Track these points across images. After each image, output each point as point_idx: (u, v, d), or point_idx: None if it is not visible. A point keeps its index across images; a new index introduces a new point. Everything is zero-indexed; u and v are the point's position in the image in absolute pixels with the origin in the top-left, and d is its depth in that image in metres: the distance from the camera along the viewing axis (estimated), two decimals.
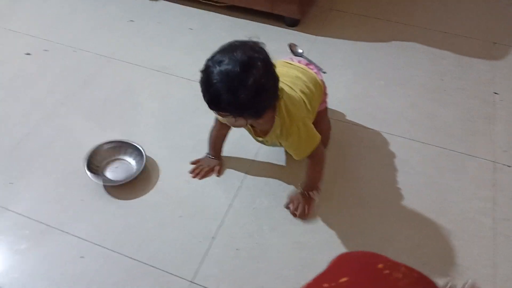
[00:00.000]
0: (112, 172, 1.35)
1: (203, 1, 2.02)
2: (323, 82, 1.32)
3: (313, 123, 1.23)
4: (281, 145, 1.22)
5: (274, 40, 1.87)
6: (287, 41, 1.85)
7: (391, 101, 1.63)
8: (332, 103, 1.60)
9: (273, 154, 1.42)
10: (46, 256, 1.16)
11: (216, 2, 2.01)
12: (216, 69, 0.94)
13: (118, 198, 1.29)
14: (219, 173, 1.37)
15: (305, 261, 1.17)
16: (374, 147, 1.47)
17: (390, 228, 1.24)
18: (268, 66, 0.98)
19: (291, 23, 1.93)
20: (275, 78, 1.02)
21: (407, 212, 1.29)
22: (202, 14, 2.01)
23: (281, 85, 1.08)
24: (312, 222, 1.26)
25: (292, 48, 1.82)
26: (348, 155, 1.44)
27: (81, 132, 1.48)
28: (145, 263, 1.16)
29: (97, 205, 1.28)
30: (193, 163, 1.39)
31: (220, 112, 1.02)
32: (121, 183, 1.30)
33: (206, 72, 0.97)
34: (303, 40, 1.88)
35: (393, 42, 1.90)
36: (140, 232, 1.22)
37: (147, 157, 1.36)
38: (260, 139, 1.22)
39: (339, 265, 0.65)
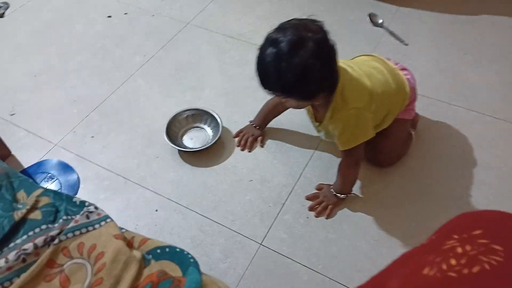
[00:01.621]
0: (190, 140, 1.37)
1: None
2: (414, 90, 1.20)
3: (386, 129, 1.16)
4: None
5: (354, 9, 1.79)
6: (367, 10, 1.77)
7: (481, 78, 1.51)
8: (417, 76, 1.52)
9: None
10: (123, 207, 1.21)
11: None
12: (267, 48, 0.92)
13: (193, 164, 1.31)
14: (262, 143, 1.34)
15: (380, 236, 1.12)
16: (461, 125, 1.37)
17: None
18: (321, 47, 0.91)
19: None
20: (330, 61, 0.95)
21: (495, 195, 1.19)
22: None
23: (345, 67, 1.03)
24: (389, 197, 1.20)
25: (372, 18, 1.73)
26: (433, 133, 1.35)
27: (160, 95, 1.51)
28: (218, 222, 1.17)
29: (172, 165, 1.31)
30: (236, 134, 1.37)
31: (270, 91, 0.99)
32: (197, 149, 1.31)
33: (260, 50, 0.95)
34: (384, 10, 1.78)
35: (484, 15, 1.75)
36: (214, 193, 1.23)
37: (223, 127, 1.36)
38: (317, 125, 1.16)
39: (466, 220, 0.60)
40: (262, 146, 1.33)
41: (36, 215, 0.65)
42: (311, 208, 1.18)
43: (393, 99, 1.14)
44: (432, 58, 1.59)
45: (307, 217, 1.17)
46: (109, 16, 1.84)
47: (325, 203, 1.17)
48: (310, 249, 1.11)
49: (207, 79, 1.57)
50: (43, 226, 0.63)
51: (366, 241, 1.12)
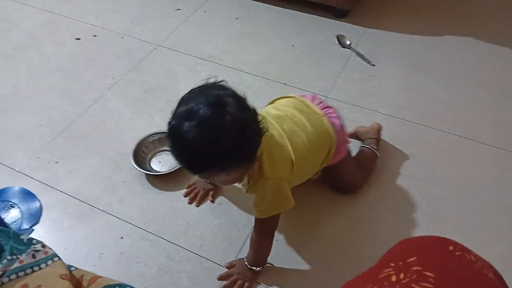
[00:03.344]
0: (158, 163, 1.35)
1: None
2: (340, 131, 1.11)
3: (332, 173, 1.15)
4: None
5: (322, 32, 1.82)
6: (336, 32, 1.80)
7: (447, 97, 1.55)
8: (384, 96, 1.55)
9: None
10: (87, 235, 1.17)
11: None
12: (183, 125, 0.78)
13: (161, 188, 1.29)
14: (213, 198, 1.24)
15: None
16: (428, 144, 1.39)
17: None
18: (240, 100, 0.83)
19: (340, 14, 1.87)
20: (252, 110, 0.85)
21: (466, 213, 1.21)
22: (249, 4, 1.98)
23: (271, 126, 0.96)
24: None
25: (340, 40, 1.76)
26: (399, 152, 1.37)
27: (129, 117, 1.49)
28: (186, 249, 1.14)
29: (140, 190, 1.28)
30: (188, 186, 1.27)
31: (207, 173, 0.85)
32: (164, 173, 1.29)
33: (174, 133, 0.81)
34: (352, 31, 1.81)
35: (447, 36, 1.80)
36: (182, 218, 1.21)
37: None
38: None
39: (403, 247, 0.60)
40: (212, 201, 1.23)
41: None
42: None
43: (318, 152, 1.07)
44: (399, 78, 1.62)
45: (276, 239, 1.16)
46: (78, 38, 1.82)
47: (240, 281, 1.05)
48: (280, 271, 1.09)
49: (177, 101, 1.55)
50: None
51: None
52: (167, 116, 1.50)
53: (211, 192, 1.25)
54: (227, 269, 1.10)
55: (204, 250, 1.14)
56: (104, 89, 1.59)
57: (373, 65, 1.66)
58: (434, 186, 1.27)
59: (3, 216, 1.19)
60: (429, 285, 0.49)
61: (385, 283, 0.52)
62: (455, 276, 0.51)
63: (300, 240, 1.16)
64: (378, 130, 1.36)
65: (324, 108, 1.12)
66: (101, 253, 1.14)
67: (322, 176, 1.17)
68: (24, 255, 0.61)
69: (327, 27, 1.84)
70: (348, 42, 1.75)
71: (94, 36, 1.83)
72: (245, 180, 0.97)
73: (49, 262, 0.61)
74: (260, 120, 0.87)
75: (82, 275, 0.59)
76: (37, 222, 1.19)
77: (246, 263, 1.07)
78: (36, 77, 1.65)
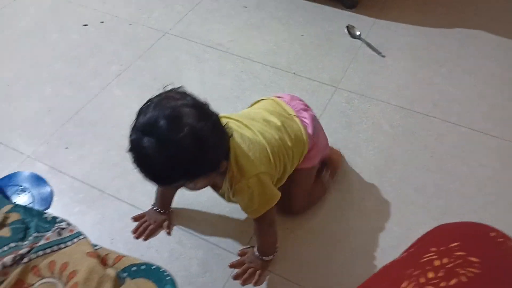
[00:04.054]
0: None
1: None
2: (311, 138, 1.09)
3: (289, 181, 1.09)
4: None
5: (332, 22, 1.81)
6: (345, 22, 1.79)
7: (457, 90, 1.54)
8: (394, 87, 1.54)
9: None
10: (98, 220, 1.17)
11: None
12: (141, 140, 0.77)
13: None
14: (169, 229, 1.15)
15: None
16: (436, 136, 1.39)
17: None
18: (199, 108, 0.81)
19: (350, 5, 1.86)
20: (214, 117, 0.83)
21: (471, 204, 1.21)
22: None
23: (234, 127, 0.94)
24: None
25: (350, 30, 1.75)
26: (410, 143, 1.37)
27: (137, 104, 1.47)
28: (197, 235, 1.14)
29: None
30: (135, 219, 1.17)
31: (173, 186, 0.86)
32: None
33: (134, 149, 0.79)
34: (361, 22, 1.80)
35: (458, 29, 1.79)
36: (193, 204, 1.21)
37: None
38: (218, 191, 1.03)
39: (443, 233, 0.60)
40: (168, 234, 1.15)
41: (5, 232, 0.61)
42: (236, 276, 1.06)
43: (290, 152, 1.04)
44: (409, 70, 1.62)
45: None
46: (85, 25, 1.80)
47: (252, 269, 1.06)
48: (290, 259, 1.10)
49: (186, 89, 1.54)
50: (12, 244, 0.59)
51: None
52: None
53: (165, 223, 1.15)
54: (238, 257, 1.10)
55: (216, 237, 1.14)
56: (112, 76, 1.58)
57: (383, 56, 1.66)
58: (445, 178, 1.28)
59: (14, 200, 1.19)
60: (475, 270, 0.49)
61: (428, 268, 0.52)
62: (499, 262, 0.51)
63: (313, 230, 1.17)
64: (338, 162, 1.28)
65: (299, 110, 1.11)
66: (112, 239, 1.13)
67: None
68: (49, 233, 0.61)
69: (337, 18, 1.83)
70: (358, 33, 1.74)
71: (101, 22, 1.82)
72: (226, 186, 0.95)
73: (75, 240, 0.60)
74: (224, 125, 0.86)
75: (107, 254, 0.58)
76: (48, 207, 1.18)
77: (256, 253, 1.06)
78: (41, 64, 1.64)
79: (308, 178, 1.16)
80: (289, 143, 1.02)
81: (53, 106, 1.48)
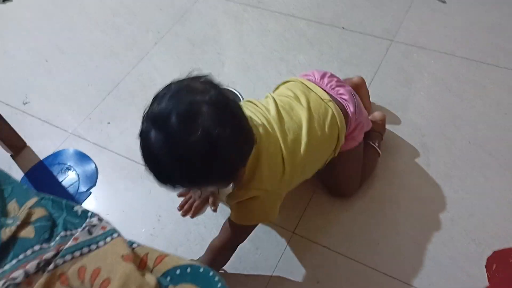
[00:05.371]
0: None
1: None
2: (355, 115, 0.96)
3: (332, 165, 0.97)
4: None
5: None
6: None
7: None
8: (458, 37, 1.36)
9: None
10: (144, 196, 1.14)
11: None
12: (150, 132, 0.68)
13: None
14: (214, 206, 1.08)
15: None
16: (511, 90, 1.22)
17: None
18: (222, 108, 0.69)
19: None
20: (238, 120, 0.71)
21: None
22: None
23: (261, 131, 0.80)
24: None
25: None
26: (480, 99, 1.21)
27: (177, 74, 1.41)
28: None
29: None
30: (181, 194, 1.11)
31: (177, 187, 0.74)
32: None
33: (142, 139, 0.70)
34: None
35: None
36: None
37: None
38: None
39: None
40: (214, 211, 1.08)
41: (28, 232, 0.55)
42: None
43: (322, 150, 0.92)
44: (474, 16, 1.41)
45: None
46: None
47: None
48: (348, 235, 1.01)
49: (226, 53, 1.45)
50: (36, 247, 0.53)
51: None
52: (218, 70, 1.43)
53: (210, 199, 1.09)
54: (290, 232, 1.03)
55: None
56: (150, 45, 1.51)
57: (444, 2, 1.46)
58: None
59: (60, 179, 1.18)
60: None
61: None
62: None
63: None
64: (383, 122, 1.14)
65: (335, 88, 0.97)
66: (160, 216, 1.10)
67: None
68: (79, 231, 0.53)
69: None
70: None
71: None
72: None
73: (108, 239, 0.52)
74: (250, 130, 0.74)
75: (147, 253, 0.50)
76: (94, 185, 1.17)
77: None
78: (78, 35, 1.59)
79: (357, 158, 1.04)
80: (319, 140, 0.89)
81: (92, 79, 1.43)
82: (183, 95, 0.68)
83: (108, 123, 1.31)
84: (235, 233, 0.89)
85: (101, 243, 0.53)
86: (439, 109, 1.20)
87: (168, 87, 0.71)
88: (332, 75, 1.02)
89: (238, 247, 0.98)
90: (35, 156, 1.25)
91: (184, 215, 1.09)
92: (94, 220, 0.56)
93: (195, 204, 1.09)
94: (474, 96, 1.22)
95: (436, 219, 1.01)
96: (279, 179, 0.83)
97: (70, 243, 0.52)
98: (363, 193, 1.07)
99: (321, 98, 0.93)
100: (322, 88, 0.96)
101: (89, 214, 0.57)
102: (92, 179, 1.17)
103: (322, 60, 1.37)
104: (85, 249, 0.53)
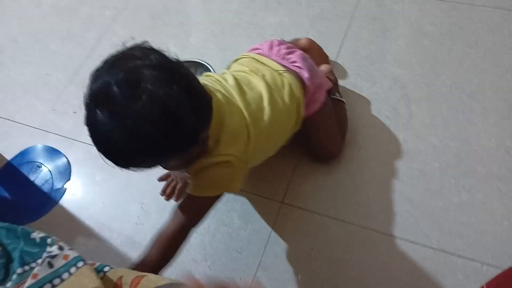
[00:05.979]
0: None
1: None
2: (311, 80, 0.90)
3: (308, 131, 0.95)
4: None
5: None
6: None
7: None
8: None
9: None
10: (124, 185, 1.09)
11: None
12: (98, 115, 0.60)
13: None
14: None
15: None
16: (488, 28, 1.17)
17: None
18: (165, 69, 0.63)
19: None
20: (186, 79, 0.65)
21: None
22: None
23: (218, 96, 0.75)
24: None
25: None
26: (458, 41, 1.17)
27: None
28: None
29: None
30: (162, 179, 1.06)
31: (140, 167, 0.67)
32: None
33: (90, 123, 0.63)
34: None
35: None
36: None
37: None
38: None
39: None
40: None
41: None
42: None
43: (284, 119, 0.87)
44: None
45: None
46: None
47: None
48: (337, 199, 0.99)
49: (191, 23, 1.37)
50: None
51: None
52: (183, 42, 1.35)
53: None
54: (279, 202, 1.00)
55: (251, 185, 1.04)
56: (108, 22, 1.41)
57: None
58: (504, 75, 1.09)
59: (32, 178, 1.11)
60: None
61: None
62: None
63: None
64: (332, 72, 1.10)
65: (286, 56, 0.92)
66: (142, 203, 1.05)
67: (295, 138, 0.96)
68: (39, 262, 0.44)
69: None
70: None
71: None
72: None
73: (72, 270, 0.44)
74: (202, 87, 0.68)
75: (121, 277, 0.43)
76: (68, 179, 1.11)
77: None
78: (30, 22, 1.48)
79: (327, 116, 0.99)
80: (281, 110, 0.84)
81: (51, 68, 1.34)
82: (121, 64, 0.62)
83: (74, 112, 1.23)
84: (192, 211, 0.79)
85: (65, 275, 0.45)
86: (418, 56, 1.16)
87: (103, 61, 0.64)
88: (280, 43, 0.96)
89: (228, 224, 0.94)
90: (1, 157, 1.17)
91: (167, 199, 1.05)
92: (54, 250, 0.47)
93: (178, 186, 1.04)
94: (451, 39, 1.17)
95: (424, 170, 0.99)
96: (245, 146, 0.78)
97: (29, 281, 0.43)
98: (347, 153, 1.04)
99: (275, 70, 0.89)
100: (274, 60, 0.91)
101: (48, 240, 0.49)
102: (66, 174, 1.11)
103: (292, 18, 1.30)
104: (47, 286, 0.44)
